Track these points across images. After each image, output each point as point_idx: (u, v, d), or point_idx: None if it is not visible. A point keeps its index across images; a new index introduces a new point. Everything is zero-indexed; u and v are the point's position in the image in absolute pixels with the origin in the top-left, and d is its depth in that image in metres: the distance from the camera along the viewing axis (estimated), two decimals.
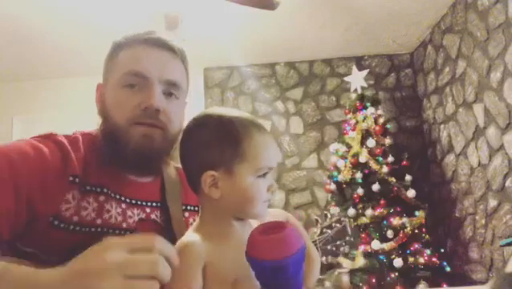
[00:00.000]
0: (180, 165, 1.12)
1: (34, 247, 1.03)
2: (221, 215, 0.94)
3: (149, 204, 1.16)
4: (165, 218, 1.17)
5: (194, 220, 1.19)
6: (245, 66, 4.22)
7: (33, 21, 3.35)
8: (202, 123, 0.96)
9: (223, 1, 2.85)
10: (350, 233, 1.30)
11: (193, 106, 4.16)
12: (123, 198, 1.12)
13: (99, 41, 3.63)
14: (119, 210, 1.10)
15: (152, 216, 1.16)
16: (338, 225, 1.31)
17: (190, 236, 0.92)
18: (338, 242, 1.29)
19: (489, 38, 3.03)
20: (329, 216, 1.39)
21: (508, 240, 2.67)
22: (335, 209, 3.39)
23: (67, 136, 1.10)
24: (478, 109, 3.19)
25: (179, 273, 0.81)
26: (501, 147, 2.93)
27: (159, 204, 1.18)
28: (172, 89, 1.12)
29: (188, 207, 1.23)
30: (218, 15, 3.39)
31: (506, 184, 2.88)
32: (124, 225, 1.10)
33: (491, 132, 3.04)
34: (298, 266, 0.74)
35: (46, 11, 3.25)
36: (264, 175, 0.92)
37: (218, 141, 0.91)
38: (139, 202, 1.15)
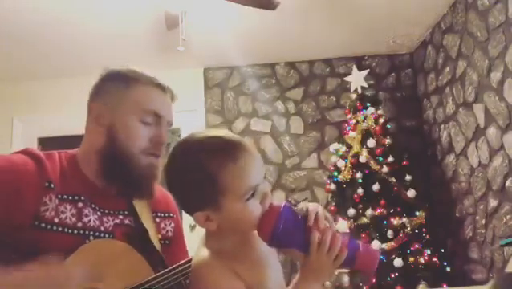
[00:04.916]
0: None
1: (26, 249, 1.11)
2: (225, 236, 0.97)
3: (121, 212, 1.29)
4: (138, 223, 1.29)
5: (166, 224, 1.36)
6: (245, 66, 4.22)
7: (32, 21, 3.35)
8: (177, 165, 0.97)
9: (223, 1, 2.85)
10: None
11: (193, 106, 4.16)
12: (97, 207, 1.24)
13: (99, 41, 3.65)
14: (95, 216, 1.22)
15: (126, 221, 1.28)
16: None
17: (205, 253, 0.96)
18: None
19: (489, 38, 3.03)
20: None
21: (508, 240, 2.67)
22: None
23: (42, 151, 1.23)
24: (478, 109, 3.19)
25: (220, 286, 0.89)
26: (502, 147, 2.93)
27: (129, 212, 1.30)
28: (168, 127, 1.33)
29: (159, 214, 1.36)
30: (218, 15, 3.39)
31: (506, 184, 2.88)
32: (102, 228, 1.22)
33: (491, 132, 3.04)
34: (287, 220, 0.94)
35: (45, 11, 3.24)
36: (252, 195, 0.93)
37: (195, 185, 0.93)
38: (111, 211, 1.27)
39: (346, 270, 3.30)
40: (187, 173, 0.93)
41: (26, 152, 1.21)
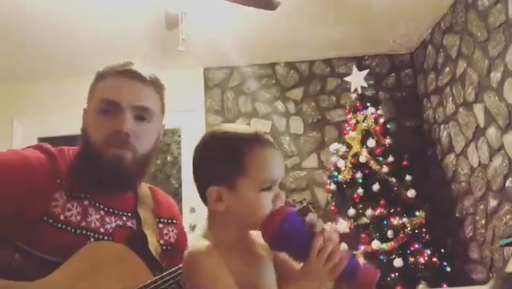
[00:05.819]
0: (151, 185, 1.40)
1: (30, 245, 1.13)
2: (227, 226, 0.98)
3: (125, 213, 1.28)
4: (140, 227, 1.29)
5: (168, 230, 1.36)
6: (245, 66, 4.22)
7: (32, 21, 3.35)
8: (207, 140, 1.01)
9: (223, 1, 2.85)
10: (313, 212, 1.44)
11: (193, 106, 4.16)
12: (101, 206, 1.24)
13: (99, 41, 3.65)
14: (97, 216, 1.22)
15: (129, 224, 1.28)
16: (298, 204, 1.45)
17: (203, 242, 0.96)
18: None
19: (489, 38, 3.03)
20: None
21: (508, 240, 2.67)
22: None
23: (54, 148, 1.24)
24: (478, 109, 3.19)
25: (215, 277, 0.89)
26: (502, 147, 2.93)
27: (134, 214, 1.30)
28: (143, 114, 1.24)
29: (162, 219, 1.36)
30: (218, 15, 3.39)
31: (506, 184, 2.88)
32: (102, 230, 1.22)
33: (491, 132, 3.04)
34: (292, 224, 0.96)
35: (45, 11, 3.24)
36: (268, 188, 0.95)
37: (220, 158, 0.96)
38: (115, 211, 1.27)
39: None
40: (214, 149, 0.97)
41: (39, 147, 1.22)
